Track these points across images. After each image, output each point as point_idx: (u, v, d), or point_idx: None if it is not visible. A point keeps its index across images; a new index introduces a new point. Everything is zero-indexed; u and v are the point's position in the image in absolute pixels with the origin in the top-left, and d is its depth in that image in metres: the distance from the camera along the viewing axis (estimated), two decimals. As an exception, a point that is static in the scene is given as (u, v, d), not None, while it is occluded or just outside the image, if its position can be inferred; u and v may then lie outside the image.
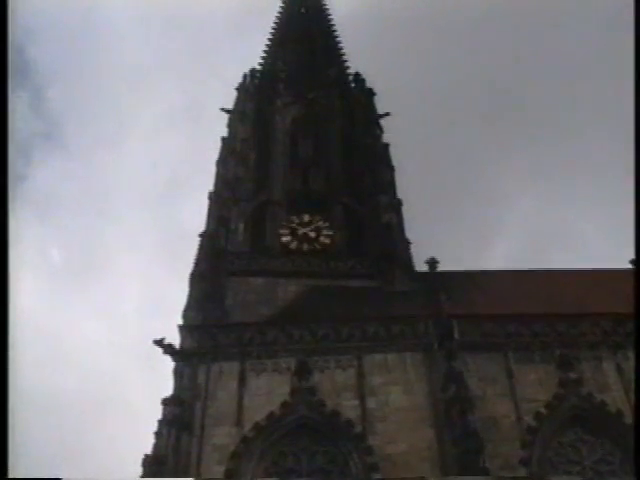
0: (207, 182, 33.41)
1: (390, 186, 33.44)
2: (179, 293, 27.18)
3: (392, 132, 37.85)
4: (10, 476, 13.61)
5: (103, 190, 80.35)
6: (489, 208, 69.63)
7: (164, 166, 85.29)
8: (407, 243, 31.59)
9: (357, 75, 41.64)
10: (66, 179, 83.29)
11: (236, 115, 38.08)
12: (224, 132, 37.73)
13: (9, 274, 13.67)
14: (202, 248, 30.33)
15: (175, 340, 24.04)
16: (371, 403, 22.08)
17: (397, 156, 35.70)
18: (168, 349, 23.48)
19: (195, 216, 63.35)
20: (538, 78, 73.26)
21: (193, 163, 76.92)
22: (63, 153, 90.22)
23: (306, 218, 31.91)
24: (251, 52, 47.60)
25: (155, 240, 77.12)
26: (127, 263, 74.45)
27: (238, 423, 21.63)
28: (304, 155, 36.06)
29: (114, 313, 71.51)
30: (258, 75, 41.95)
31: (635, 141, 19.66)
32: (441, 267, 26.71)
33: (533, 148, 73.77)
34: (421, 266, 28.05)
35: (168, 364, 23.49)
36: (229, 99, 39.88)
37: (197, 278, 28.17)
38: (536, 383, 22.46)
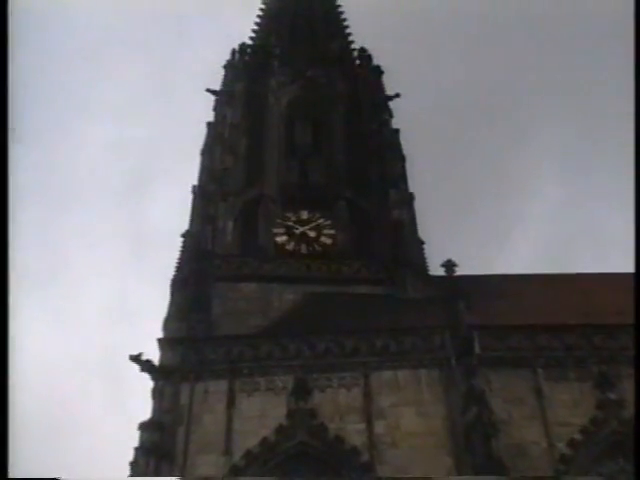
0: (184, 174, 33.86)
1: (401, 178, 33.75)
2: (154, 300, 27.21)
3: (402, 117, 38.15)
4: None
5: (60, 181, 79.88)
6: (512, 203, 69.89)
7: (132, 155, 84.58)
8: (420, 243, 31.96)
9: (363, 50, 41.82)
10: (17, 169, 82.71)
11: (223, 97, 38.40)
12: (209, 116, 38.17)
13: (9, 275, 15.00)
14: (185, 250, 30.84)
15: (152, 354, 24.08)
16: (380, 427, 21.92)
17: (408, 144, 36.09)
18: (146, 366, 23.35)
19: (169, 212, 63.94)
20: (565, 61, 73.27)
21: (167, 152, 76.82)
22: (12, 139, 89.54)
23: (304, 215, 32.20)
24: (241, 24, 47.51)
25: (122, 238, 76.80)
26: (88, 264, 73.94)
27: (226, 451, 21.50)
28: (302, 143, 36.22)
29: (74, 321, 71.31)
30: (249, 51, 42.15)
31: (635, 142, 20.94)
32: (459, 271, 26.58)
33: (560, 137, 73.83)
34: (436, 269, 28.23)
35: (145, 382, 23.44)
36: (215, 79, 40.29)
37: (179, 284, 28.39)
38: (570, 404, 22.25)
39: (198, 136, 36.72)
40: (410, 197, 33.15)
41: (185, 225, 32.00)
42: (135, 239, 74.37)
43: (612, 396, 22.22)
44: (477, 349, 23.27)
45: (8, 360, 14.31)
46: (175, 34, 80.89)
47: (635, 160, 20.70)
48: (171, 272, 30.24)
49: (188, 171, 33.83)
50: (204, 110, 38.50)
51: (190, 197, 33.45)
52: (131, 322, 65.45)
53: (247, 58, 41.36)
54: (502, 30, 74.39)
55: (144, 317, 59.57)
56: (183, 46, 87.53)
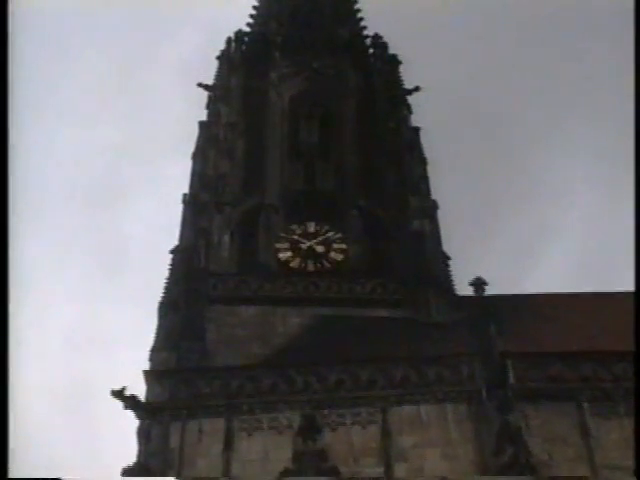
0: (168, 181, 33.72)
1: (422, 184, 33.74)
2: (133, 325, 27.19)
3: (423, 113, 38.24)
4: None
5: (19, 187, 79.41)
6: (547, 210, 69.32)
7: (101, 157, 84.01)
8: (445, 258, 31.94)
9: (377, 37, 41.86)
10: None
11: (218, 92, 38.34)
12: (201, 115, 38.13)
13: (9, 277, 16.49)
14: (175, 268, 30.62)
15: (131, 388, 23.74)
16: (400, 471, 21.74)
17: (430, 145, 36.13)
18: (130, 402, 23.11)
19: (150, 225, 63.64)
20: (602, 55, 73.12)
21: (147, 156, 76.41)
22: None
23: (311, 227, 32.38)
24: (236, 8, 47.48)
25: (93, 255, 76.20)
26: (54, 280, 73.38)
27: (224, 500, 21.24)
28: (308, 144, 36.47)
29: (38, 350, 70.80)
30: (246, 39, 42.20)
31: (635, 142, 21.59)
32: (490, 290, 26.41)
33: (602, 134, 73.61)
34: (464, 289, 28.03)
35: (128, 421, 23.36)
36: (207, 72, 40.23)
37: (168, 307, 28.49)
38: (621, 444, 21.77)
39: (186, 138, 36.92)
40: (433, 205, 33.21)
41: (172, 239, 32.07)
42: (109, 256, 73.76)
43: (669, 434, 21.97)
44: (512, 380, 23.11)
45: (8, 361, 15.90)
46: (157, 20, 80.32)
47: (635, 161, 21.53)
48: (153, 293, 30.02)
49: (173, 178, 33.75)
50: (194, 108, 38.46)
51: (178, 207, 33.60)
52: (107, 351, 64.99)
53: (244, 48, 41.42)
54: (538, 14, 74.22)
55: (122, 345, 59.30)
56: (167, 35, 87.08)
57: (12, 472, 15.72)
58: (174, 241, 31.99)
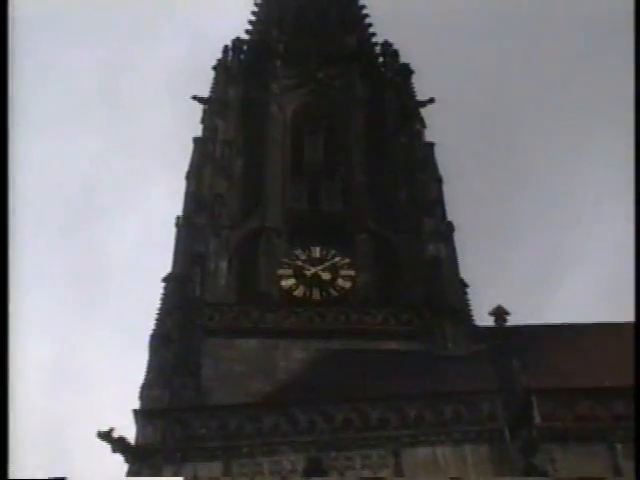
0: (157, 201, 33.54)
1: (437, 204, 33.64)
2: (115, 360, 26.96)
3: (437, 128, 38.16)
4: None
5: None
6: (570, 235, 68.88)
7: (80, 173, 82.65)
8: (462, 286, 31.92)
9: (387, 45, 41.87)
10: None
11: (214, 106, 38.22)
12: (197, 130, 38.15)
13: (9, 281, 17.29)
14: (167, 297, 30.69)
15: (120, 430, 23.37)
16: (415, 519, 21.52)
17: (444, 162, 36.05)
18: (119, 445, 22.82)
19: (131, 248, 63.06)
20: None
21: (128, 171, 75.61)
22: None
23: (316, 252, 32.38)
24: (234, 14, 47.49)
25: (68, 283, 75.28)
26: (26, 316, 72.84)
27: None
28: (312, 161, 36.52)
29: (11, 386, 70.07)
30: (244, 48, 42.27)
31: (635, 144, 22.47)
32: (512, 320, 26.07)
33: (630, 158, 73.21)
34: (483, 319, 27.98)
35: (116, 465, 23.07)
36: (202, 83, 40.26)
37: (160, 340, 28.51)
38: (656, 488, 21.08)
39: (177, 153, 37.27)
40: (449, 228, 33.21)
41: (162, 266, 32.12)
42: (90, 283, 72.95)
43: None
44: (537, 419, 22.75)
45: (8, 362, 16.53)
46: (144, 26, 79.89)
47: (635, 161, 22.20)
48: (141, 325, 30.45)
49: (163, 198, 33.63)
50: (185, 122, 38.38)
51: (169, 230, 33.64)
52: (90, 389, 64.42)
53: (242, 57, 41.52)
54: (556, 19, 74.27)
55: (108, 382, 58.74)
56: (156, 43, 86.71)
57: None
58: (166, 268, 32.05)
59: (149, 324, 30.09)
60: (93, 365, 65.91)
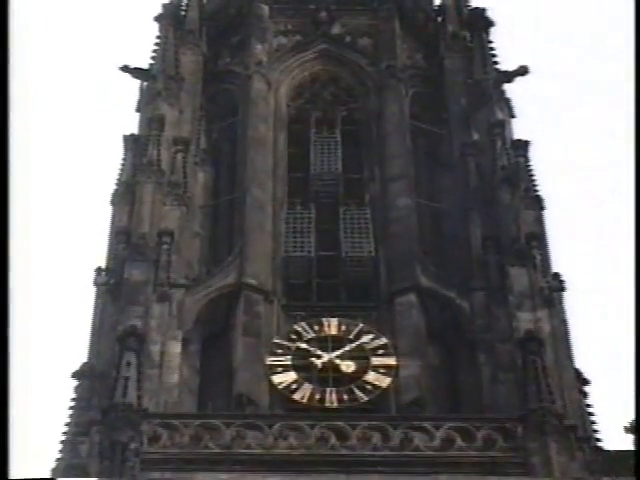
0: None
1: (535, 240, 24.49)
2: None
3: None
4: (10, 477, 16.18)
5: None
6: None
7: None
8: (583, 381, 23.14)
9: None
10: None
11: (158, 83, 28.81)
12: (130, 124, 29.37)
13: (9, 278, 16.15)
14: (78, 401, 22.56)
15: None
16: None
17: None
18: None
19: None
20: None
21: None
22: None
23: (332, 327, 24.10)
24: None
25: None
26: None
27: None
28: (322, 173, 27.80)
29: None
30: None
31: (635, 144, 21.86)
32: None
33: None
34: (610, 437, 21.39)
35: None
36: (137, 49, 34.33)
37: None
38: None
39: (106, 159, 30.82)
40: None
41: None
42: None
43: None
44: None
45: (8, 361, 15.58)
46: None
47: (635, 162, 21.87)
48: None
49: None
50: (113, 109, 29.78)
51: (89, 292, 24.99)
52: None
53: (205, 18, 31.65)
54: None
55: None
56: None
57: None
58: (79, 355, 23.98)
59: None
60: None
